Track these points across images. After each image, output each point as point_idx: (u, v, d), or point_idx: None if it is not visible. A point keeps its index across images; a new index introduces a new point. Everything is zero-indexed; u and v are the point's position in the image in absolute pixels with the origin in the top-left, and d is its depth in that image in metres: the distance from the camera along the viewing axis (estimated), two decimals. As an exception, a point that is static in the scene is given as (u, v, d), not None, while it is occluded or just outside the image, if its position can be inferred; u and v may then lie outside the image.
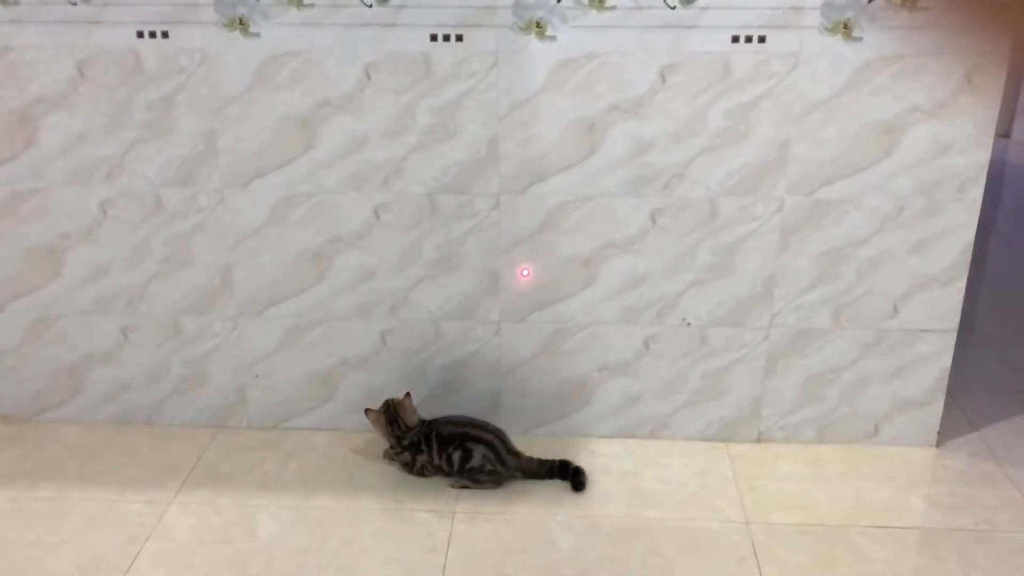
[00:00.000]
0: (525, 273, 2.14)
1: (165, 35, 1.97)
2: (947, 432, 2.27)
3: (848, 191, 2.04)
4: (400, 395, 2.15)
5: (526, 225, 2.10)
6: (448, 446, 2.09)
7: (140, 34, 1.97)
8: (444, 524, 1.99)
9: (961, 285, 2.11)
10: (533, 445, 2.22)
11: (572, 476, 2.10)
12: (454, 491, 2.09)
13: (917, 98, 1.96)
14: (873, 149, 2.00)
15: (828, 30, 1.92)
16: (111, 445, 2.26)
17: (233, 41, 1.97)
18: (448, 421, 2.15)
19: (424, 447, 2.10)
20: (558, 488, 2.10)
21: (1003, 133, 5.35)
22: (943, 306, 2.13)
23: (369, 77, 1.99)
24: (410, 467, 2.13)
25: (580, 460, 2.18)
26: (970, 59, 1.92)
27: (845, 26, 1.91)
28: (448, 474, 2.11)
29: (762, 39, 1.93)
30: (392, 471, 2.16)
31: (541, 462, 2.12)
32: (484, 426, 2.12)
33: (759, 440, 2.27)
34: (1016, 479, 2.13)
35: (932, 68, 1.93)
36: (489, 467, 2.08)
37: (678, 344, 2.19)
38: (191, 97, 2.02)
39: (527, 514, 2.01)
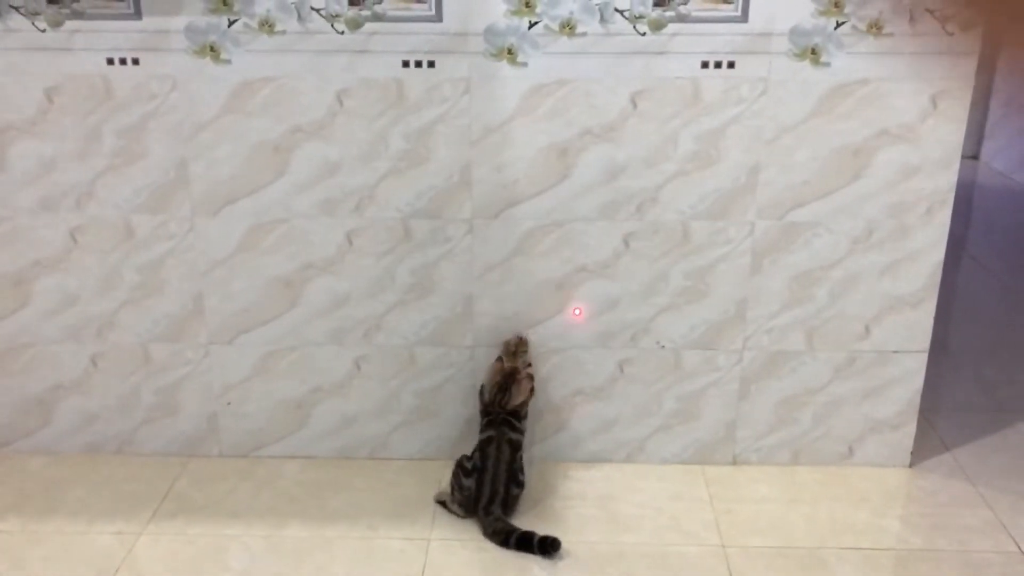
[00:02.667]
0: (577, 312, 2.14)
1: (136, 62, 1.97)
2: (920, 453, 2.29)
3: (818, 214, 2.06)
4: (524, 367, 2.11)
5: (499, 250, 2.10)
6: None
7: (111, 61, 1.97)
8: (419, 552, 1.97)
9: (931, 306, 2.13)
10: (508, 471, 2.22)
11: (539, 546, 1.95)
12: (429, 519, 2.07)
13: (885, 122, 1.99)
14: (842, 173, 2.03)
15: (796, 55, 1.94)
16: (80, 476, 2.23)
17: (204, 68, 1.97)
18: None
19: (495, 431, 2.04)
20: (534, 514, 2.08)
21: (971, 155, 5.42)
22: (914, 327, 2.15)
23: (341, 103, 1.99)
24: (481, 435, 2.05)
25: (556, 485, 2.18)
26: (936, 84, 1.95)
27: (813, 51, 1.94)
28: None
29: (731, 64, 1.95)
30: (365, 499, 2.14)
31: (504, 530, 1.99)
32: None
33: (734, 463, 2.28)
34: (989, 499, 2.15)
35: (899, 92, 1.96)
36: (455, 482, 2.05)
37: (652, 368, 2.19)
38: (162, 124, 2.01)
39: (502, 541, 2.00)
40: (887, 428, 2.24)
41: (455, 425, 2.25)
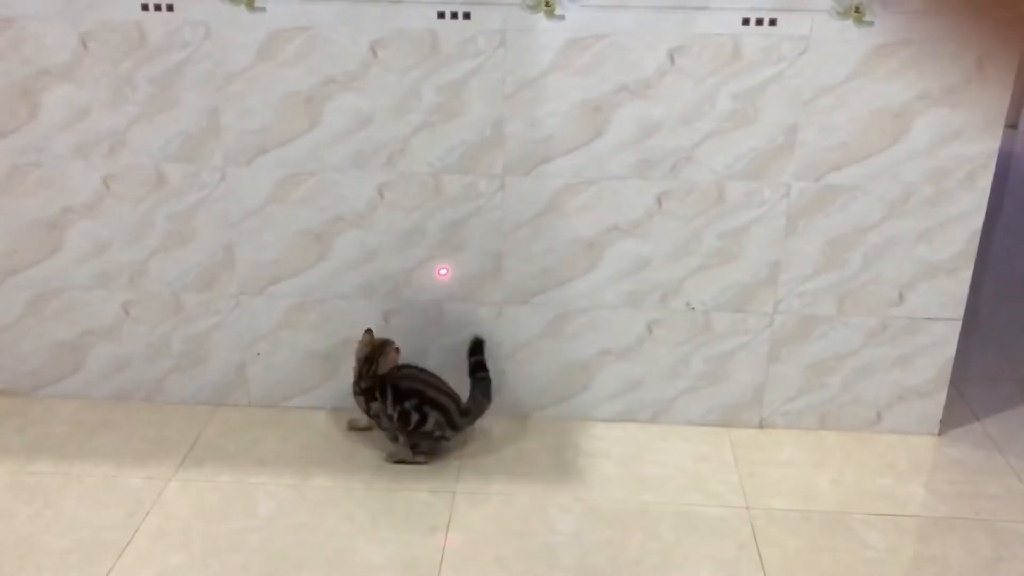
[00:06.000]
0: (443, 272, 2.14)
1: (170, 8, 1.95)
2: (949, 421, 2.27)
3: (856, 177, 2.02)
4: (394, 341, 2.11)
5: (530, 207, 2.09)
6: (404, 401, 2.06)
7: (145, 6, 1.95)
8: (444, 505, 1.98)
9: (967, 274, 2.10)
10: (533, 427, 2.23)
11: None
12: (454, 471, 2.08)
13: (927, 84, 1.94)
14: (882, 135, 1.99)
15: (839, 14, 1.90)
16: (111, 421, 2.26)
17: (238, 15, 1.95)
18: (405, 375, 2.10)
19: (378, 395, 2.07)
20: (558, 471, 2.09)
21: (1011, 124, 5.31)
22: (949, 295, 2.12)
23: (375, 54, 1.97)
24: (366, 413, 2.12)
25: (581, 444, 2.19)
26: (982, 46, 1.90)
27: (857, 10, 1.89)
28: (394, 430, 2.08)
29: (772, 22, 1.91)
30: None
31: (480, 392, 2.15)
32: (439, 387, 2.10)
33: (761, 426, 2.27)
34: (1018, 469, 2.13)
35: (943, 54, 1.91)
36: (438, 433, 2.07)
37: (681, 329, 2.18)
38: (195, 72, 2.00)
39: (527, 496, 2.01)
40: (916, 396, 2.22)
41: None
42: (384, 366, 2.08)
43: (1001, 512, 1.99)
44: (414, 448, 2.09)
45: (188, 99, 2.03)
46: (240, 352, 2.27)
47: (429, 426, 2.06)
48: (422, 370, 2.13)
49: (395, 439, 2.11)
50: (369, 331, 2.11)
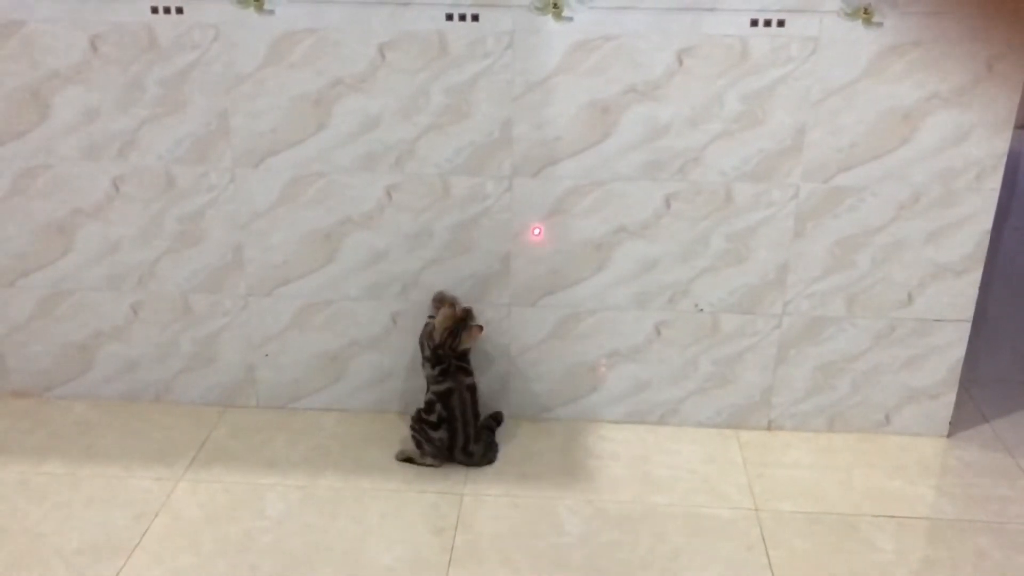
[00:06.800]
0: (537, 232, 2.11)
1: (180, 11, 1.96)
2: (959, 423, 2.26)
3: (865, 178, 2.02)
4: (477, 320, 2.11)
5: (538, 208, 2.09)
6: (441, 399, 2.06)
7: (155, 9, 1.96)
8: (452, 506, 1.98)
9: (977, 275, 2.09)
10: (542, 429, 2.23)
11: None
12: (463, 473, 2.08)
13: (936, 85, 1.94)
14: (891, 136, 1.98)
15: (848, 15, 1.89)
16: (120, 422, 2.27)
17: (247, 18, 1.96)
18: (467, 383, 2.09)
19: (438, 367, 2.06)
20: (566, 472, 2.09)
21: (1021, 125, 5.29)
22: (958, 296, 2.11)
23: (383, 56, 1.97)
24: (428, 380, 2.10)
25: (589, 445, 2.19)
26: (992, 47, 1.90)
27: (865, 11, 1.89)
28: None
29: (781, 23, 1.91)
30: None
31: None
32: (468, 415, 2.09)
33: (769, 428, 2.26)
34: (1028, 471, 2.12)
35: (953, 55, 1.91)
36: (430, 449, 2.09)
37: (689, 330, 2.18)
38: (204, 74, 2.01)
39: (535, 497, 2.01)
40: (926, 397, 2.21)
41: (491, 382, 2.25)
42: (466, 341, 2.07)
43: (1011, 514, 1.98)
44: (418, 448, 2.09)
45: (197, 101, 2.03)
46: (249, 353, 2.27)
47: (433, 434, 2.07)
48: (473, 389, 2.11)
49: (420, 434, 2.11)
50: (451, 305, 2.08)
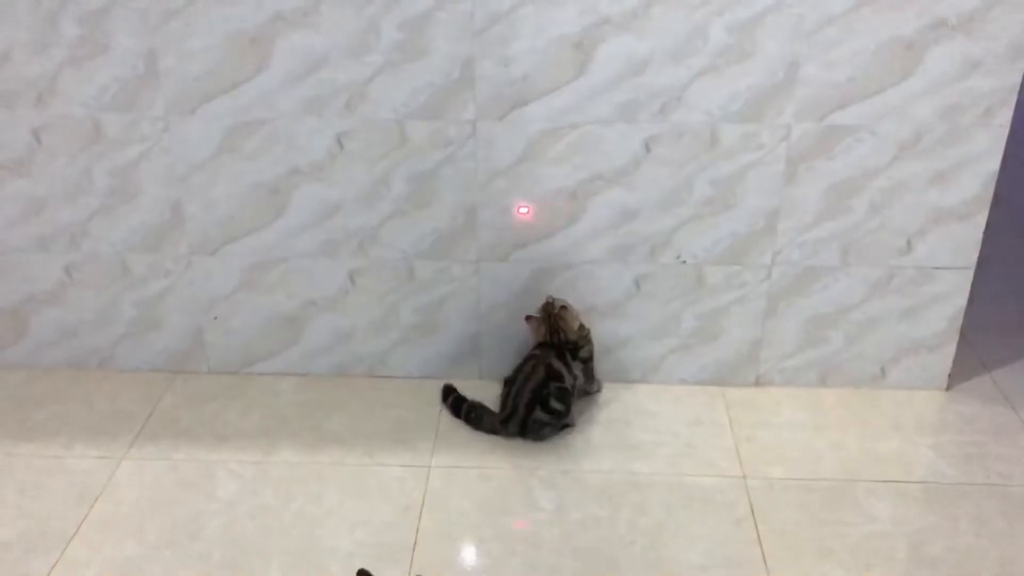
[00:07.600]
0: (523, 211, 1.95)
1: (92, -62, 1.73)
2: (958, 374, 2.13)
3: (862, 116, 1.84)
4: (554, 299, 1.99)
5: (506, 155, 1.90)
6: (553, 382, 1.95)
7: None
8: (419, 481, 1.85)
9: (982, 219, 1.94)
10: (515, 392, 2.08)
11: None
12: (430, 444, 1.94)
13: (943, 12, 1.75)
14: (891, 69, 1.80)
15: (847, -68, 1.69)
16: (60, 392, 2.10)
17: (170, -55, 1.73)
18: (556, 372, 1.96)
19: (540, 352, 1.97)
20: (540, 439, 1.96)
21: None
22: (961, 242, 1.96)
23: (327, -13, 1.76)
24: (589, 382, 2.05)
25: (565, 408, 2.05)
26: (1006, -34, 1.71)
27: (867, -72, 1.69)
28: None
29: (772, -57, 1.70)
30: (362, 422, 2.01)
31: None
32: (523, 389, 1.96)
33: (757, 384, 2.13)
34: (1031, 427, 2.00)
35: (963, -24, 1.72)
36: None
37: (672, 284, 2.02)
38: (127, 11, 1.79)
39: (507, 469, 1.87)
40: (924, 349, 2.07)
41: (456, 343, 2.10)
42: (570, 327, 1.96)
43: (1013, 475, 1.86)
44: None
45: (121, 41, 1.82)
46: (197, 316, 2.10)
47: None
48: (550, 369, 1.96)
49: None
50: (529, 317, 2.00)
